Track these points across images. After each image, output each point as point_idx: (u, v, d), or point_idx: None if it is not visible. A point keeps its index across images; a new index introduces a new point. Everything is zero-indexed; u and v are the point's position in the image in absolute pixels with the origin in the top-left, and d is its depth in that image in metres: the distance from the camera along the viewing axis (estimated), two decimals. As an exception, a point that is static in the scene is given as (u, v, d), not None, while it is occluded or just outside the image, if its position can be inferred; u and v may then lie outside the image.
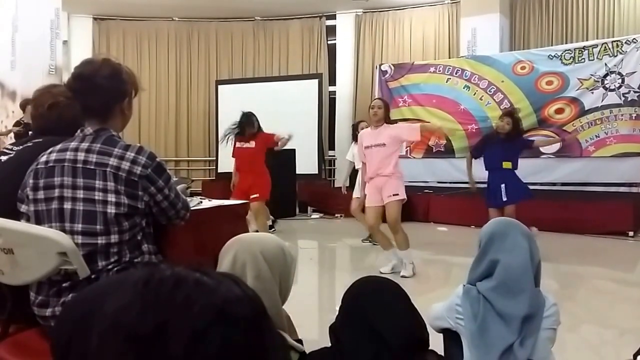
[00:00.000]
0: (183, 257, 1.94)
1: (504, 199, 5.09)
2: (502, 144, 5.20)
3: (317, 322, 3.07)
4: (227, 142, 5.98)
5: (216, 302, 0.57)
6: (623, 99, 7.11)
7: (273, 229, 6.80)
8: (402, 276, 4.38)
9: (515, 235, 1.73)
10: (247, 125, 5.75)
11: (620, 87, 7.12)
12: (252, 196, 5.41)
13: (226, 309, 0.57)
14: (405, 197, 4.56)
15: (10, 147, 2.10)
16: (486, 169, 5.40)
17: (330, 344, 1.44)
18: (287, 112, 9.37)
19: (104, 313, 0.58)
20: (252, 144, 5.69)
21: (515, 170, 5.26)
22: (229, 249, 1.47)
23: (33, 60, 7.05)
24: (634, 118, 7.06)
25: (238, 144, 5.82)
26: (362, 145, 4.68)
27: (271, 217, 6.74)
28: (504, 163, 5.17)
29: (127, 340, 0.54)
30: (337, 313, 1.46)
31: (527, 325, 1.64)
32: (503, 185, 5.11)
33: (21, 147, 2.01)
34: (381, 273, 4.48)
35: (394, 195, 4.46)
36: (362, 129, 5.15)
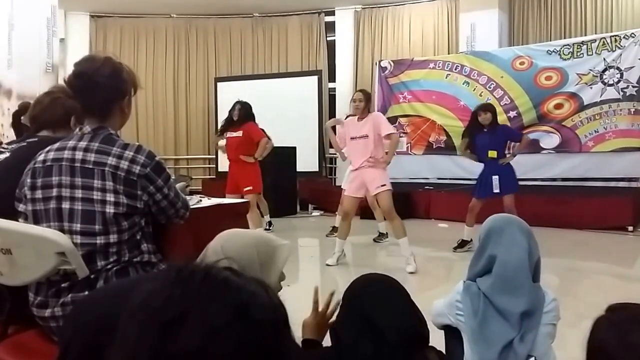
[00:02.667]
0: (182, 256, 1.93)
1: (495, 190, 5.10)
2: (487, 134, 5.25)
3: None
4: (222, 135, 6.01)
5: (239, 302, 0.59)
6: (622, 93, 7.11)
7: (271, 227, 6.75)
8: (409, 272, 4.39)
9: (513, 231, 1.73)
10: (233, 114, 5.78)
11: (618, 82, 7.11)
12: (245, 189, 5.42)
13: (248, 310, 0.59)
14: (391, 187, 4.64)
15: (6, 146, 2.09)
16: (480, 161, 5.44)
17: (331, 343, 1.44)
18: (287, 109, 9.36)
19: (137, 293, 0.61)
20: (240, 133, 5.70)
21: (509, 163, 5.27)
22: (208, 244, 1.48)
23: (30, 58, 7.01)
24: (632, 113, 7.06)
25: (228, 133, 5.84)
26: (346, 132, 4.78)
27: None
28: (489, 152, 5.20)
29: (150, 322, 0.57)
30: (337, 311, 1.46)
31: (527, 321, 1.64)
32: (496, 177, 5.12)
33: (17, 145, 2.00)
34: (328, 265, 4.73)
35: (382, 186, 4.56)
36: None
